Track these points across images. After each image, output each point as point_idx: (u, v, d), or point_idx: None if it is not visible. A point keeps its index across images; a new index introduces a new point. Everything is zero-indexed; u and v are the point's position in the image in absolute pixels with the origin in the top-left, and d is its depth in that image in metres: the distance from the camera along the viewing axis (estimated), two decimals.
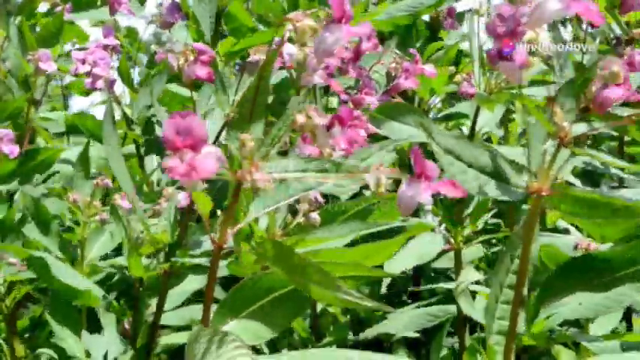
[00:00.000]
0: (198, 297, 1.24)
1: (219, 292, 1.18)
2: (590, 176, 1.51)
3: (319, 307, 1.36)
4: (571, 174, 1.41)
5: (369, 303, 0.61)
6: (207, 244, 1.07)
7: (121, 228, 1.10)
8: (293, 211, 1.04)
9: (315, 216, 1.01)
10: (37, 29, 1.48)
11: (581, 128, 0.76)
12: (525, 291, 0.79)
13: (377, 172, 0.61)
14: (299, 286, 0.67)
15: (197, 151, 0.55)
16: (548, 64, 1.07)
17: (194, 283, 1.20)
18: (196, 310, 1.22)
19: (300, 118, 0.58)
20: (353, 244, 1.06)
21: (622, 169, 1.24)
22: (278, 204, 0.74)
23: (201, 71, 0.93)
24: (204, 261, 1.07)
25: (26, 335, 1.37)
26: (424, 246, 1.29)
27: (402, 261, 1.25)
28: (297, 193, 0.75)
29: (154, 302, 1.18)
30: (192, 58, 0.94)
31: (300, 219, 1.02)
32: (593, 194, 0.81)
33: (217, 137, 1.11)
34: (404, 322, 1.30)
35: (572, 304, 0.80)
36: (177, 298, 1.20)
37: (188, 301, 1.24)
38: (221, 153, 0.57)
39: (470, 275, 1.17)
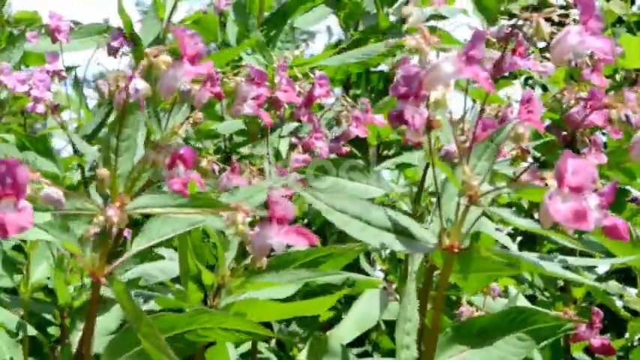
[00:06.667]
0: None
1: None
2: None
3: None
4: None
5: None
6: (129, 275, 1.05)
7: (48, 253, 1.08)
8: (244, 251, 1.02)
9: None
10: None
11: (485, 187, 0.74)
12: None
13: (235, 210, 0.60)
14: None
15: (19, 200, 0.53)
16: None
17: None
18: None
19: (151, 155, 0.56)
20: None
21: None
22: (162, 239, 0.73)
23: None
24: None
25: None
26: (365, 314, 1.28)
27: (346, 332, 1.24)
28: (183, 227, 0.74)
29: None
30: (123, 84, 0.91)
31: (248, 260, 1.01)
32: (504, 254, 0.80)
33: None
34: None
35: None
36: (108, 324, 1.17)
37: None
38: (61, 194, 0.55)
39: None
